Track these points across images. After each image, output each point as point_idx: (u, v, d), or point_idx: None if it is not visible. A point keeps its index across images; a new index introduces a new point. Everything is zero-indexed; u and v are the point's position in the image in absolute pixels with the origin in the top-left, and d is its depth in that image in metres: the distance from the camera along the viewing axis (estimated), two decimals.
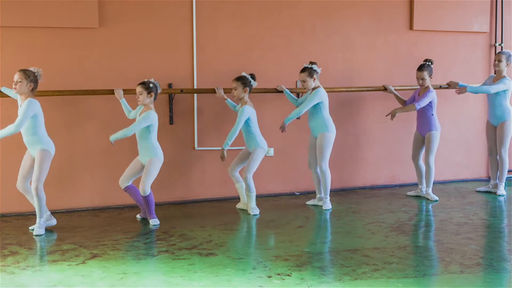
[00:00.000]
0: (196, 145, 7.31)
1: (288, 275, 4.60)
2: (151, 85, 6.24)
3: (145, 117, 6.15)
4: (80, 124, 6.84)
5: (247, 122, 6.68)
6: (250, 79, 6.73)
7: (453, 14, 8.34)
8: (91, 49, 6.83)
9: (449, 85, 7.97)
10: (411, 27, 8.18)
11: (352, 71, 7.94)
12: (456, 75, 8.31)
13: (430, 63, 7.38)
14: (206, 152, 7.37)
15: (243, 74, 6.75)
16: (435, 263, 4.96)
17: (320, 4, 7.73)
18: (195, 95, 7.24)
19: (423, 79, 7.30)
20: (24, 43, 6.60)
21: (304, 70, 6.84)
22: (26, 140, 5.94)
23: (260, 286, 4.38)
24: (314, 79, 6.83)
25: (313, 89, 6.86)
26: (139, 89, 6.23)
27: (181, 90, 7.03)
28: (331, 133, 6.88)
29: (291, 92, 7.30)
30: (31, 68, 5.95)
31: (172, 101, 7.10)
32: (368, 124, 8.08)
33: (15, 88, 5.85)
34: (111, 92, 6.61)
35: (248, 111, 6.63)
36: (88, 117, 6.87)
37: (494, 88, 7.44)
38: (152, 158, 6.25)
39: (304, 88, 6.90)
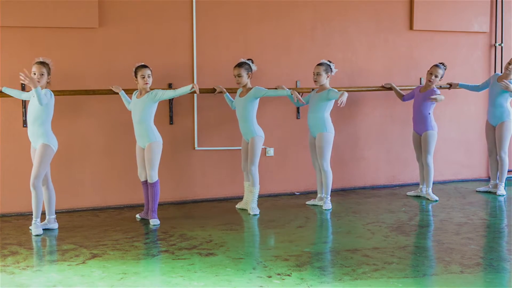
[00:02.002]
0: (196, 145, 7.31)
1: (288, 275, 4.60)
2: (249, 64, 6.60)
3: (159, 90, 6.25)
4: (80, 124, 6.84)
5: (251, 106, 6.65)
6: (251, 64, 6.75)
7: (453, 14, 8.35)
8: (91, 49, 6.83)
9: (450, 85, 7.98)
10: (411, 27, 8.18)
11: (352, 71, 7.94)
12: (456, 75, 8.31)
13: (445, 67, 7.40)
14: (206, 152, 7.37)
15: (242, 60, 6.74)
16: (435, 263, 4.96)
17: (320, 4, 7.73)
18: (195, 95, 7.24)
19: (436, 76, 7.29)
20: (24, 43, 6.60)
21: (322, 64, 6.89)
22: (31, 132, 5.89)
23: (260, 286, 4.39)
24: (328, 77, 6.88)
25: (322, 87, 6.89)
26: (148, 71, 6.26)
27: None
28: (330, 133, 6.88)
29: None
30: (40, 59, 5.93)
31: (172, 101, 7.10)
32: (368, 124, 8.08)
33: (38, 82, 5.80)
34: (111, 92, 6.62)
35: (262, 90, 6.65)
36: (88, 117, 6.86)
37: None
38: (151, 143, 6.23)
39: (315, 81, 6.90)
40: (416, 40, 8.24)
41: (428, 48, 8.28)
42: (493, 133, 7.66)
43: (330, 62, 6.93)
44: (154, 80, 6.95)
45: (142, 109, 6.24)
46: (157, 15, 7.06)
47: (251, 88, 6.69)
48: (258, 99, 6.69)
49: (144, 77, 6.25)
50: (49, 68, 5.93)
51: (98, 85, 6.76)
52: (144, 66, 6.30)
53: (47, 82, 5.93)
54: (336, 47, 7.86)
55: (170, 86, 7.07)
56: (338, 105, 6.57)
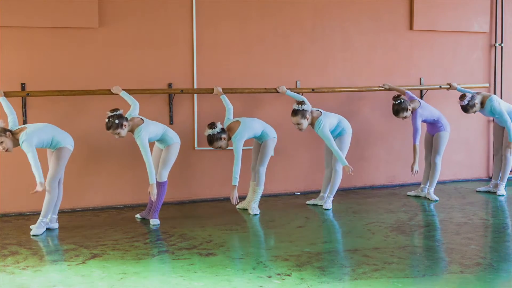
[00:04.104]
0: (196, 145, 7.31)
1: (288, 275, 4.60)
2: (116, 121, 5.96)
3: (141, 142, 6.03)
4: (80, 124, 6.83)
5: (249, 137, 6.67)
6: (215, 131, 6.49)
7: (453, 14, 8.34)
8: (91, 49, 6.83)
9: (449, 86, 7.98)
10: (411, 27, 8.18)
11: (352, 71, 7.94)
12: (456, 75, 8.32)
13: (400, 100, 7.17)
14: (206, 152, 7.37)
15: (208, 134, 6.52)
16: (435, 263, 4.96)
17: (320, 4, 7.73)
18: (195, 95, 7.24)
19: (405, 117, 7.22)
20: (24, 43, 6.60)
21: (296, 113, 6.63)
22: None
23: (260, 286, 4.38)
24: (308, 118, 6.66)
25: (313, 121, 6.73)
26: (112, 132, 6.00)
27: (181, 90, 7.03)
28: (348, 133, 6.93)
29: (292, 92, 7.29)
30: None
31: (172, 101, 7.10)
32: (368, 124, 8.08)
33: (6, 151, 5.67)
34: (111, 92, 6.61)
35: (240, 140, 6.52)
36: (88, 117, 6.86)
37: (505, 116, 7.41)
38: (169, 145, 6.27)
39: (299, 129, 6.76)
40: (416, 40, 8.24)
41: (428, 48, 8.29)
42: (501, 132, 7.66)
43: (300, 104, 6.64)
44: (154, 81, 6.98)
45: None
46: (157, 15, 7.06)
47: (234, 130, 6.62)
48: (243, 139, 6.59)
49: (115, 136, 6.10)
50: (3, 129, 5.68)
51: (98, 85, 6.76)
52: (107, 129, 6.00)
53: (12, 137, 5.69)
54: (336, 47, 7.86)
55: (170, 86, 7.07)
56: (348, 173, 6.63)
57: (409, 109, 7.20)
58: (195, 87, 7.21)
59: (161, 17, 7.07)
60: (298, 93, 7.44)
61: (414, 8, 8.11)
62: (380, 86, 7.83)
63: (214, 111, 7.32)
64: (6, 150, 5.73)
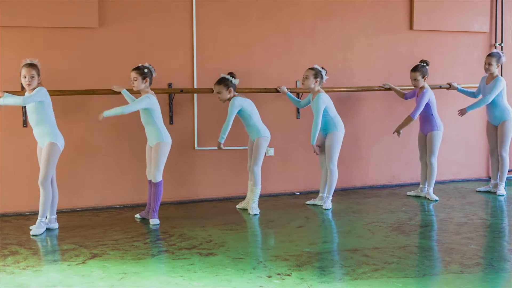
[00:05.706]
0: (196, 145, 7.31)
1: (288, 275, 4.60)
2: (145, 70, 6.25)
3: (142, 99, 6.16)
4: (80, 123, 6.84)
5: (241, 114, 6.65)
6: (231, 78, 6.63)
7: (453, 14, 8.35)
8: (91, 49, 6.83)
9: (449, 86, 7.98)
10: (411, 27, 8.18)
11: (352, 71, 7.94)
12: (456, 75, 8.31)
13: (425, 64, 7.33)
14: (206, 152, 7.37)
15: (222, 75, 6.67)
16: (435, 263, 4.96)
17: (320, 4, 7.73)
18: (195, 95, 7.24)
19: (415, 79, 7.27)
20: (24, 43, 6.60)
21: (312, 69, 6.86)
22: (37, 133, 5.90)
23: (260, 286, 4.39)
24: (316, 82, 6.82)
25: (314, 94, 6.86)
26: (133, 74, 6.24)
27: (181, 90, 7.03)
28: (340, 132, 6.92)
29: (291, 93, 7.31)
30: (28, 61, 5.85)
31: (172, 101, 7.11)
32: (368, 124, 8.08)
33: (29, 84, 5.78)
34: (111, 92, 6.61)
35: (238, 102, 6.57)
36: (88, 117, 6.86)
37: (491, 95, 7.43)
38: (158, 142, 6.27)
39: (302, 84, 6.92)
40: (416, 40, 8.24)
41: (428, 48, 8.28)
42: (495, 133, 7.66)
43: (323, 68, 6.89)
44: (154, 80, 6.95)
45: (141, 112, 6.28)
46: (157, 15, 7.06)
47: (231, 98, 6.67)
48: (242, 103, 6.62)
49: (131, 80, 6.27)
50: (38, 69, 5.87)
51: (98, 85, 6.76)
52: (133, 69, 6.28)
53: (38, 83, 5.86)
54: (336, 47, 7.86)
55: (170, 86, 7.08)
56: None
57: (425, 79, 7.28)
58: (195, 87, 7.21)
59: (161, 17, 7.07)
60: (298, 93, 7.47)
61: (414, 8, 8.11)
62: (380, 86, 7.84)
63: (214, 111, 7.33)
64: (29, 85, 5.79)
